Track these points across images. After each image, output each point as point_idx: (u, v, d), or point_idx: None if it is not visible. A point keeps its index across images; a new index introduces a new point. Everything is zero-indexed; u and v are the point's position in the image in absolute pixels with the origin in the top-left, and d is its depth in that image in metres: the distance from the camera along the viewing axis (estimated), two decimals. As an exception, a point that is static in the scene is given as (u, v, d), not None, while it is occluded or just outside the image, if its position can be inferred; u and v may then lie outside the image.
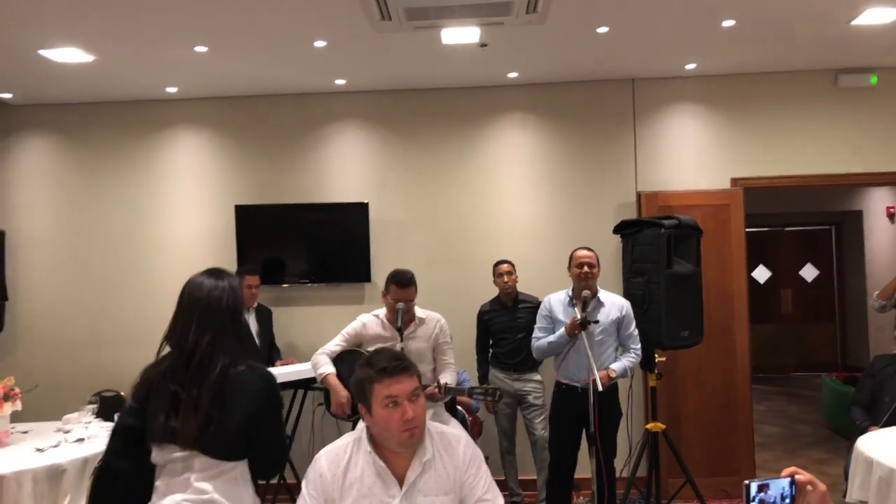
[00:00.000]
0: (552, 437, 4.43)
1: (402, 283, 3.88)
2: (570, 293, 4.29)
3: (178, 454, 2.22)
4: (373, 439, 2.22)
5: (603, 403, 3.98)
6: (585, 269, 4.18)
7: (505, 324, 5.02)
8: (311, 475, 2.21)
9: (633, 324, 4.30)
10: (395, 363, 2.17)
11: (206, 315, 2.30)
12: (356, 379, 2.22)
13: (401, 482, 2.17)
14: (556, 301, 4.33)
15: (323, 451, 2.26)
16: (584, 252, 4.25)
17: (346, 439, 2.27)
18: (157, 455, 2.26)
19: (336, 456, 2.22)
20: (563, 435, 4.31)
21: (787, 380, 10.03)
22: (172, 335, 2.30)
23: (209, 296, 2.35)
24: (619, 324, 4.25)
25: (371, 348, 3.93)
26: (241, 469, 2.28)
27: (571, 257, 4.30)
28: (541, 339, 4.29)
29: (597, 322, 4.11)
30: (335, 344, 4.01)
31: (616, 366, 4.16)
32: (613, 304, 4.27)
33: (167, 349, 2.34)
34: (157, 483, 2.28)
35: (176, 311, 2.35)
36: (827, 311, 10.40)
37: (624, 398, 4.94)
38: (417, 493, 2.17)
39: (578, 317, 3.98)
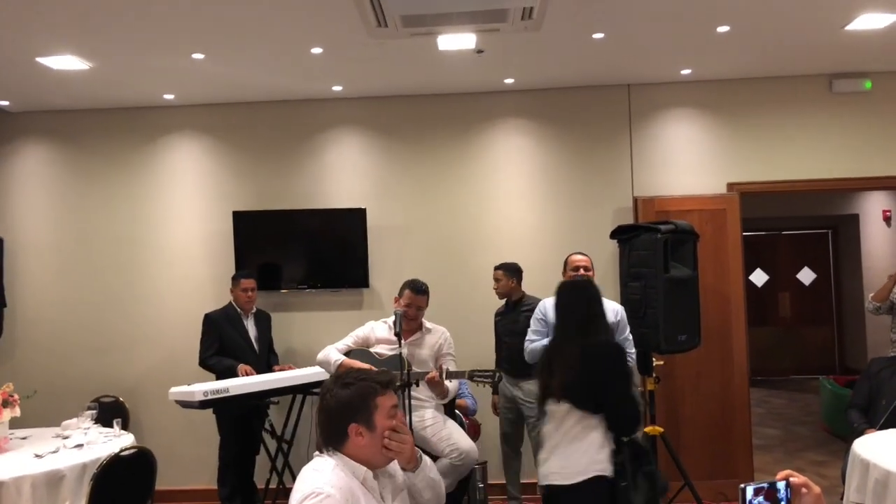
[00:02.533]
0: None
1: (416, 289, 4.12)
2: None
3: (555, 406, 3.12)
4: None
5: None
6: (581, 271, 4.20)
7: (506, 326, 4.96)
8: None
9: (628, 328, 4.31)
10: (388, 376, 2.24)
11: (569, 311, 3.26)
12: (348, 397, 2.12)
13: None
14: (552, 305, 4.32)
15: (325, 484, 2.02)
16: (579, 256, 4.28)
17: (338, 470, 2.10)
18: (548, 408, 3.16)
19: (345, 483, 2.07)
20: None
21: (786, 382, 10.05)
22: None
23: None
24: (614, 328, 4.25)
25: (377, 349, 4.06)
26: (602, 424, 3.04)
27: (566, 262, 4.33)
28: (534, 342, 4.29)
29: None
30: (343, 343, 4.19)
31: None
32: (608, 308, 4.25)
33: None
34: (546, 430, 3.20)
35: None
36: (825, 315, 10.43)
37: (622, 402, 4.96)
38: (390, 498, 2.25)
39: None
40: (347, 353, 4.11)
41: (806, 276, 10.46)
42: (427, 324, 4.23)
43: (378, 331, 4.19)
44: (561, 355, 3.17)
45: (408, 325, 4.10)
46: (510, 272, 5.01)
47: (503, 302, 5.11)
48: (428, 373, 3.91)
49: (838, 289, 10.30)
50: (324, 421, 2.16)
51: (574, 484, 3.03)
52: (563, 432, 3.11)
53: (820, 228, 10.43)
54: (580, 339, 3.15)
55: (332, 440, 2.15)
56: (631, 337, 4.32)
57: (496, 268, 5.07)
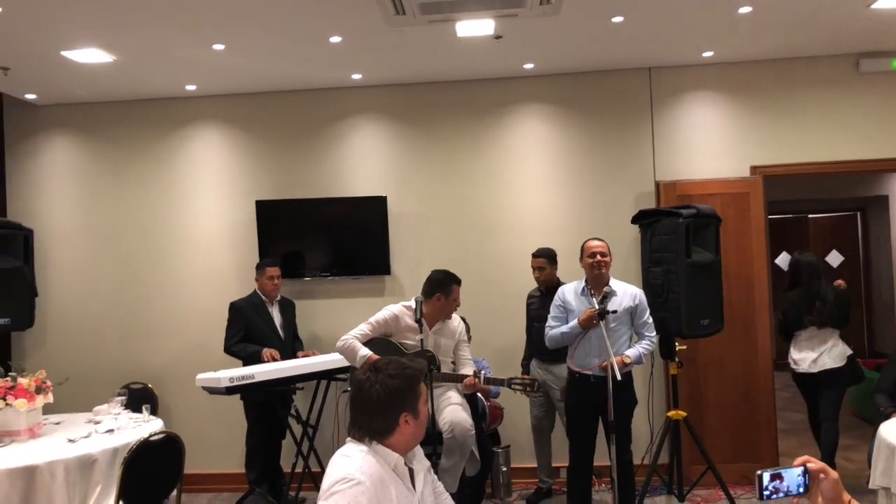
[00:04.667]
0: (569, 426, 4.45)
1: (460, 282, 4.22)
2: (584, 283, 4.29)
3: (816, 330, 5.05)
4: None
5: (618, 391, 3.99)
6: (598, 257, 4.19)
7: (539, 311, 4.89)
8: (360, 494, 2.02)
9: (648, 312, 4.29)
10: (422, 364, 2.35)
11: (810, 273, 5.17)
12: (399, 387, 2.15)
13: (412, 482, 2.25)
14: (570, 291, 4.34)
15: (356, 471, 2.04)
16: (596, 242, 4.26)
17: (368, 457, 2.11)
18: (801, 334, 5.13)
19: (376, 470, 2.09)
20: (579, 423, 4.32)
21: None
22: (798, 282, 5.17)
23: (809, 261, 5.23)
24: (633, 312, 4.25)
25: (403, 340, 4.08)
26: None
27: (583, 248, 4.31)
28: (554, 328, 4.30)
29: (615, 312, 4.12)
30: (362, 332, 4.14)
31: (630, 352, 4.17)
32: (626, 292, 4.27)
33: None
34: (805, 341, 5.13)
35: (794, 274, 5.24)
36: (853, 298, 10.24)
37: (645, 386, 4.97)
38: (426, 485, 2.31)
39: (596, 307, 4.00)
40: (368, 342, 4.11)
41: (834, 258, 10.30)
42: None
43: (402, 319, 4.16)
44: (811, 304, 5.05)
45: (437, 314, 4.15)
46: (552, 260, 4.98)
47: (535, 286, 5.09)
48: (466, 376, 4.01)
49: (867, 272, 10.15)
50: (373, 412, 2.14)
51: (843, 365, 5.03)
52: (821, 341, 5.05)
53: (848, 210, 10.26)
54: (824, 289, 5.07)
55: (381, 431, 2.14)
56: (651, 321, 4.30)
57: (538, 255, 5.00)
